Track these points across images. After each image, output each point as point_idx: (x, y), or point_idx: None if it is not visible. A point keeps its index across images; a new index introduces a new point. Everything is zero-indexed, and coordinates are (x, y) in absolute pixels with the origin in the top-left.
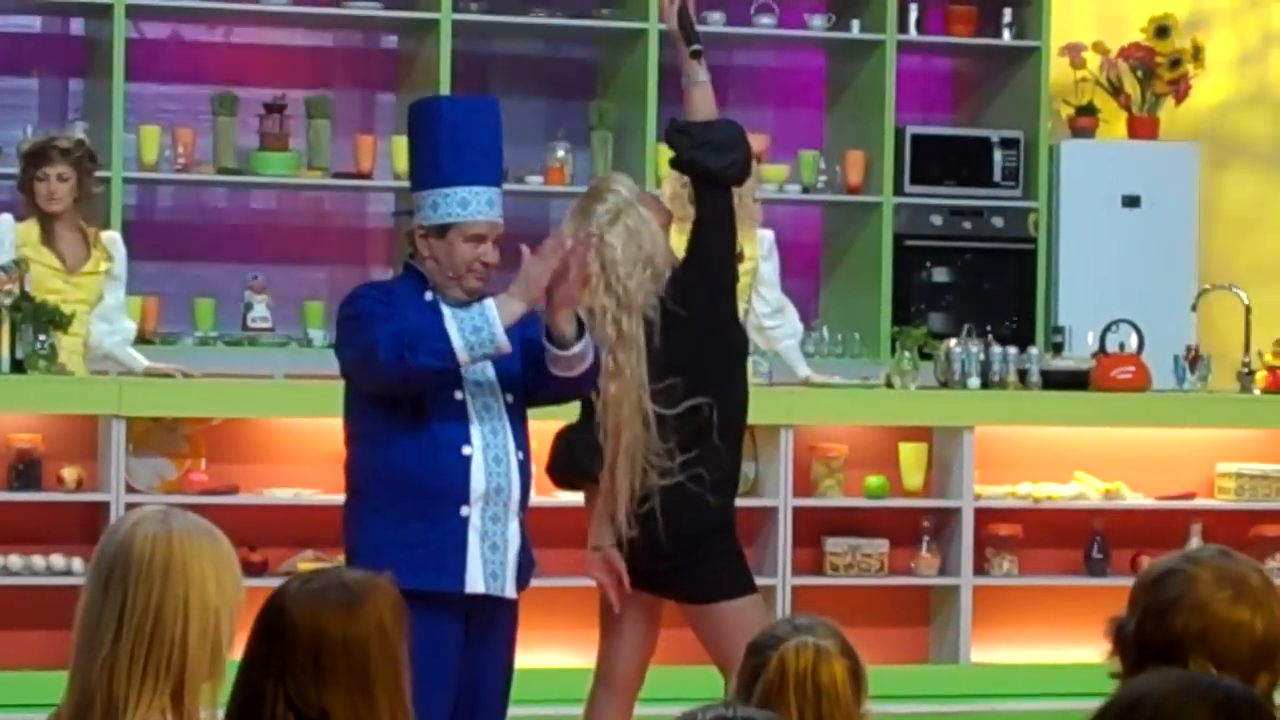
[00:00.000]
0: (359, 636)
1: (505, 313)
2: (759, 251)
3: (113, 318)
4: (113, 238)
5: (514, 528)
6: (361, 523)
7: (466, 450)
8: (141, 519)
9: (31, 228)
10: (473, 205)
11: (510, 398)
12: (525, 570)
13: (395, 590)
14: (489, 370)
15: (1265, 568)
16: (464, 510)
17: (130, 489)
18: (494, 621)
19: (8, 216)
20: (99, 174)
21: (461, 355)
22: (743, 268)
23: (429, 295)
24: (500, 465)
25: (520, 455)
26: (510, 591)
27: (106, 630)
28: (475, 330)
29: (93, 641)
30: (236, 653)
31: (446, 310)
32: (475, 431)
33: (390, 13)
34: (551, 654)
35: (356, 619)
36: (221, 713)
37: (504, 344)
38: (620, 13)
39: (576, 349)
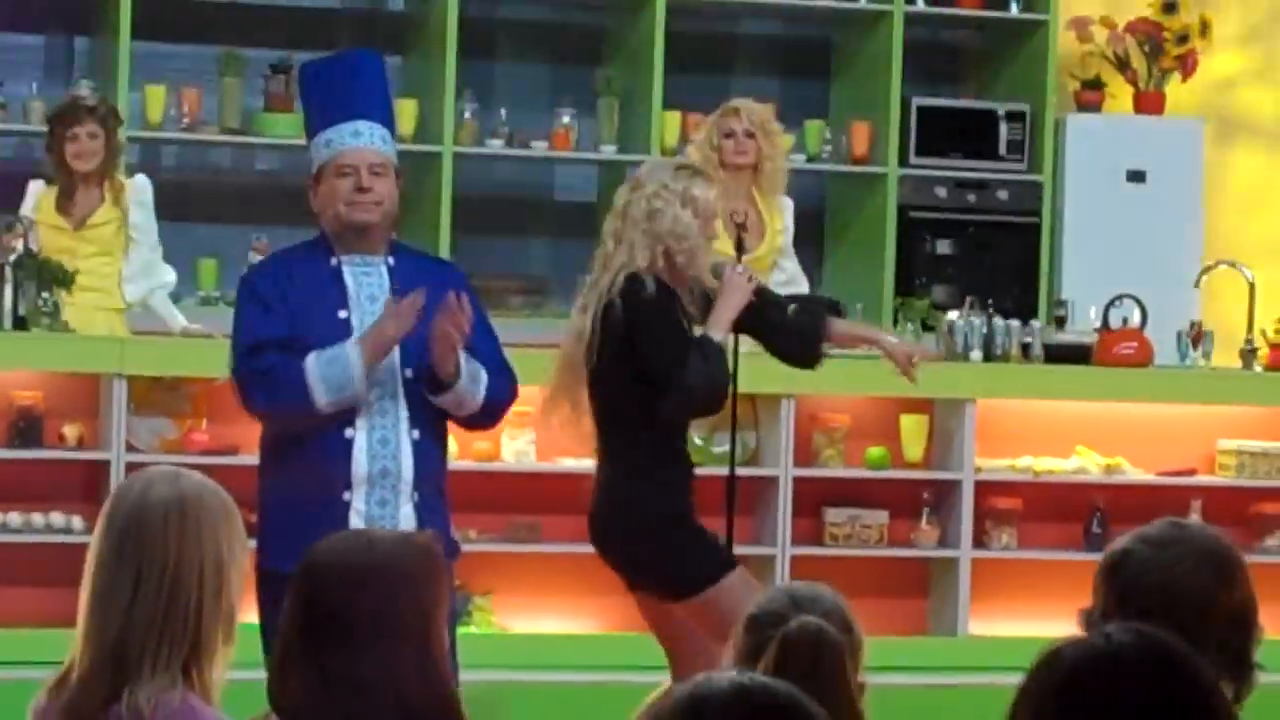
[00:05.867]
0: (384, 598)
1: (366, 363)
2: (783, 221)
3: (145, 273)
4: (138, 184)
5: (406, 511)
6: (262, 499)
7: (349, 433)
8: (153, 481)
9: (50, 194)
10: (335, 141)
11: (409, 373)
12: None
13: (429, 547)
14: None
15: (1265, 545)
16: (346, 495)
17: (131, 448)
18: None
19: (39, 182)
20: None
21: (324, 409)
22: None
23: (333, 260)
24: (387, 447)
25: (416, 434)
26: None
27: (121, 595)
28: (339, 389)
29: (106, 607)
30: (246, 616)
31: (311, 360)
32: (361, 412)
33: None
34: (551, 621)
35: (380, 581)
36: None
37: (363, 397)
38: None
39: (449, 396)
